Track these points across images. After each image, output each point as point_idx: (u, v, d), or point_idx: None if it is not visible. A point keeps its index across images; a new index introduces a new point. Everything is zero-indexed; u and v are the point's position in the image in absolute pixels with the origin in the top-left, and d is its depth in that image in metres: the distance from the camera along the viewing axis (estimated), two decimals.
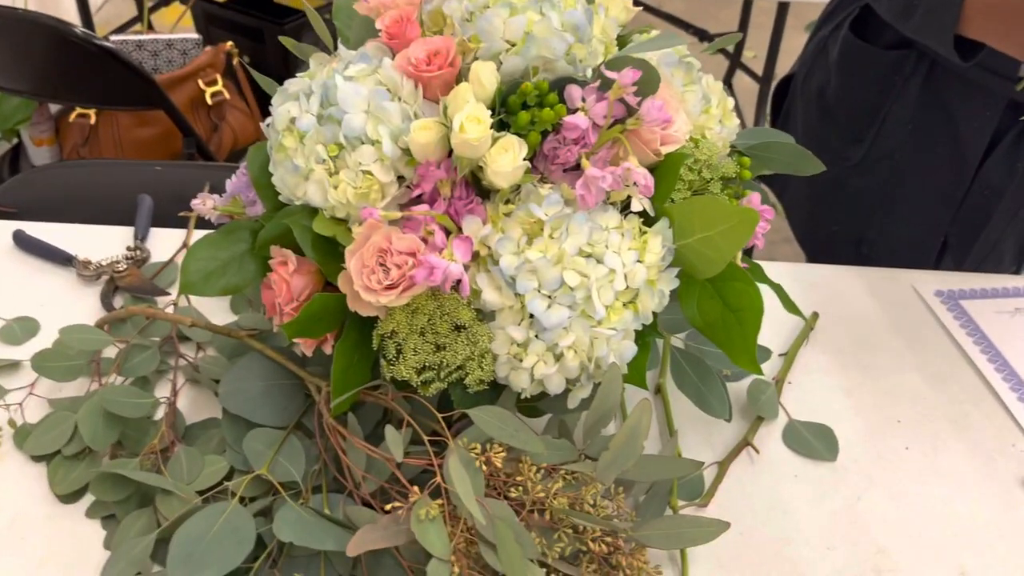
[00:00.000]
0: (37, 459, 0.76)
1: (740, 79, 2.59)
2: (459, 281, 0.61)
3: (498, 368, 0.65)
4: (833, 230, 1.26)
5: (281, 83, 0.72)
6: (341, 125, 0.64)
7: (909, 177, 1.14)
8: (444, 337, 0.64)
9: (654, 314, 0.67)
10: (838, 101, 1.17)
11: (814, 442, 0.82)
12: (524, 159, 0.64)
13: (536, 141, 0.63)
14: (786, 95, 1.32)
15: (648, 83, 0.63)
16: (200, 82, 1.75)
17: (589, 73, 0.67)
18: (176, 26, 2.42)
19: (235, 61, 1.86)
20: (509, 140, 0.61)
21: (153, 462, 0.73)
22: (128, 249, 0.99)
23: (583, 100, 0.64)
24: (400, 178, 0.65)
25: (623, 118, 0.64)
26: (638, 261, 0.64)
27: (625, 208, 0.66)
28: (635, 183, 0.62)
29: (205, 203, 0.73)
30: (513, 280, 0.62)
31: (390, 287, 0.61)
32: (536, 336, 0.63)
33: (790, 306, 0.77)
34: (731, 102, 0.77)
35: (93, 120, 1.69)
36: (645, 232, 0.65)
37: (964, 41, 0.96)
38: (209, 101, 1.74)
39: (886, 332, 0.97)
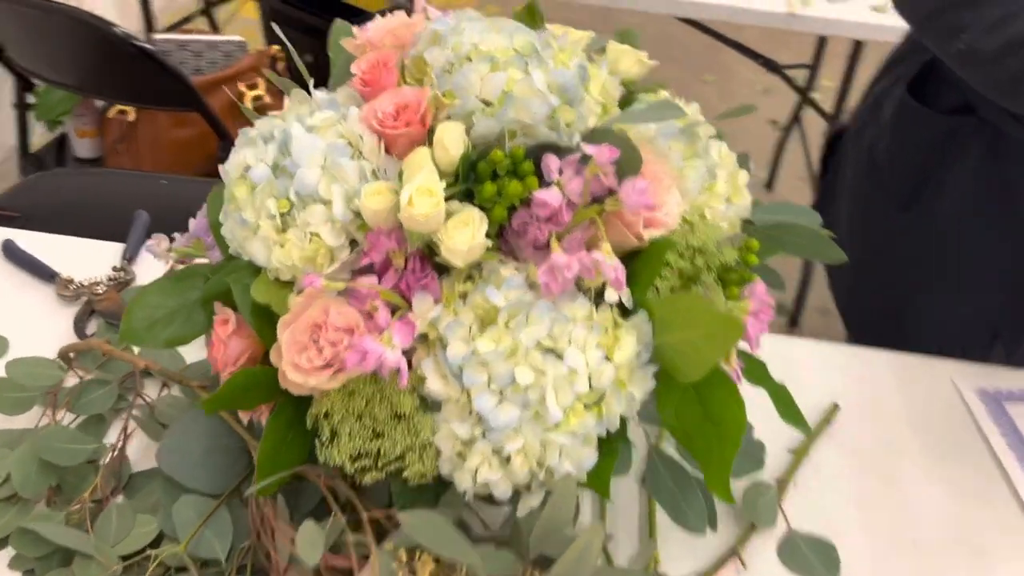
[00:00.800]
0: None
1: (811, 116, 2.47)
2: (398, 369, 0.54)
3: (441, 464, 0.58)
4: (874, 301, 1.15)
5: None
6: (294, 179, 0.58)
7: (961, 253, 1.03)
8: (383, 424, 0.57)
9: (624, 418, 0.59)
10: (889, 163, 1.07)
11: (813, 560, 0.73)
12: (490, 234, 0.57)
13: (501, 217, 0.56)
14: (838, 147, 1.22)
15: (629, 163, 0.55)
16: (241, 85, 1.72)
17: (577, 139, 0.60)
18: (235, 17, 2.42)
19: (279, 65, 1.83)
20: (468, 215, 0.55)
21: (82, 516, 0.68)
22: (113, 269, 0.95)
23: (560, 173, 0.56)
24: (354, 242, 0.59)
25: (603, 196, 0.57)
26: (606, 359, 0.56)
27: (602, 294, 0.59)
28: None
29: (160, 244, 0.68)
30: (460, 371, 0.55)
31: (322, 367, 0.55)
32: (482, 435, 0.56)
33: (791, 415, 0.68)
34: (744, 176, 0.68)
35: (132, 117, 1.67)
36: (619, 326, 0.58)
37: None
38: (249, 105, 1.72)
39: (915, 433, 0.87)
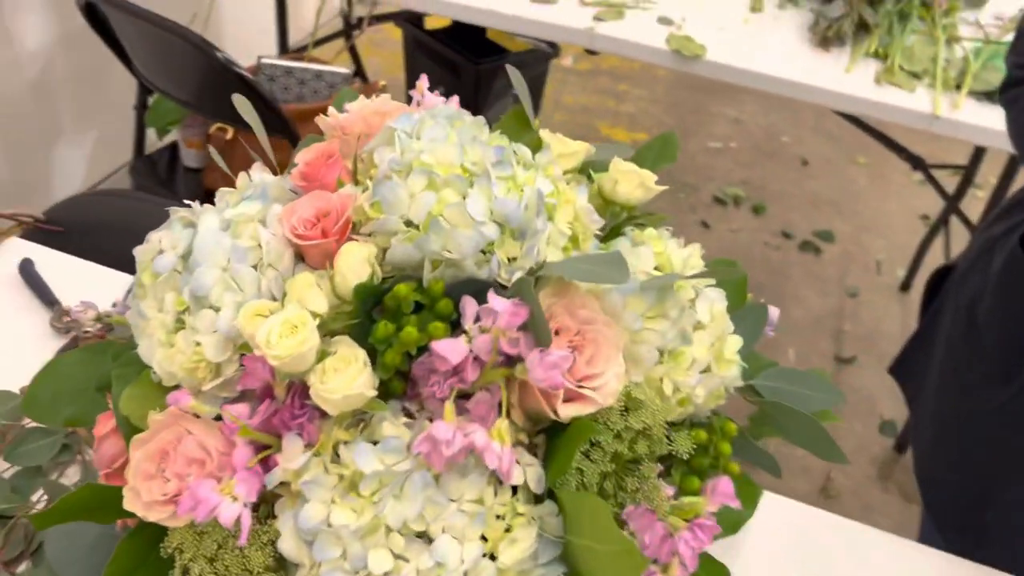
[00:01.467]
0: None
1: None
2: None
3: None
4: (954, 480, 0.98)
5: None
6: (192, 278, 0.52)
7: None
8: (235, 574, 0.50)
9: None
10: (990, 323, 0.90)
11: None
12: (387, 377, 0.49)
13: (394, 363, 0.48)
14: (940, 288, 1.05)
15: (538, 330, 0.45)
16: None
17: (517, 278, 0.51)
18: (379, 38, 2.43)
19: None
20: (348, 356, 0.46)
21: None
22: (113, 305, 0.92)
23: (477, 320, 0.47)
24: None
25: (517, 357, 0.47)
26: (489, 557, 0.47)
27: None
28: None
29: (87, 312, 0.63)
30: (314, 539, 0.47)
31: (164, 502, 0.48)
32: None
33: None
34: (735, 343, 0.57)
35: (230, 136, 1.70)
36: (520, 515, 0.48)
37: None
38: None
39: None
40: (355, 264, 0.48)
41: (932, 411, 1.03)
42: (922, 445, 1.06)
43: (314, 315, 0.46)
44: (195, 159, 1.84)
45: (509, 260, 0.51)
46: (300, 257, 0.53)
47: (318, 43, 2.28)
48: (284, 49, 2.21)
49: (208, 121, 1.78)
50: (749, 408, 0.66)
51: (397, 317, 0.48)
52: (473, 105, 2.52)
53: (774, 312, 0.67)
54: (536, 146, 0.61)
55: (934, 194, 2.21)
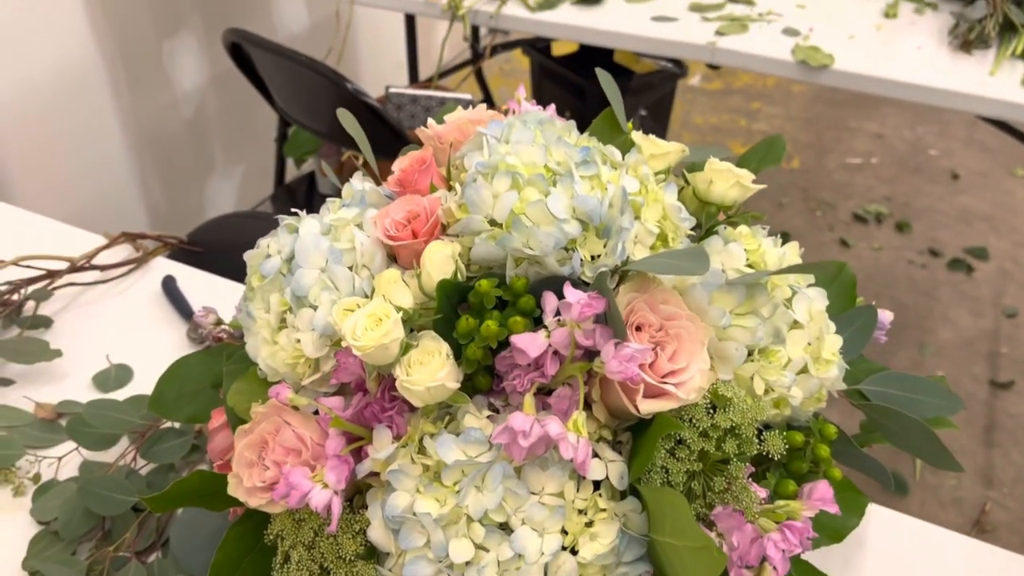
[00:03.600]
0: (42, 522, 0.76)
1: None
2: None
3: None
4: None
5: None
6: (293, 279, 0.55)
7: None
8: (330, 563, 0.52)
9: None
10: None
11: None
12: (473, 372, 0.50)
13: (477, 356, 0.49)
14: None
15: (614, 323, 0.45)
16: None
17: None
18: (508, 66, 2.48)
19: None
20: (431, 349, 0.48)
21: (103, 569, 0.70)
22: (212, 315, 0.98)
23: (558, 315, 0.48)
24: None
25: (595, 353, 0.47)
26: (571, 551, 0.46)
27: None
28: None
29: (208, 317, 0.67)
30: (399, 526, 0.48)
31: (264, 488, 0.51)
32: None
33: None
34: (835, 342, 0.54)
35: (361, 162, 1.77)
36: (603, 511, 0.47)
37: None
38: None
39: None
40: (439, 261, 0.50)
41: None
42: None
43: (400, 310, 0.48)
44: (330, 186, 1.93)
45: (593, 258, 0.51)
46: (393, 258, 0.55)
47: (447, 73, 2.35)
48: (414, 79, 2.30)
49: (341, 151, 1.87)
50: (862, 418, 0.63)
51: (480, 313, 0.49)
52: None
53: (886, 316, 0.64)
54: (627, 147, 0.61)
55: None
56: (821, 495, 0.50)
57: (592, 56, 2.65)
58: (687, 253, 0.48)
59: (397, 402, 0.51)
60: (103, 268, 1.03)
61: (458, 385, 0.48)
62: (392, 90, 1.78)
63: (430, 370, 0.47)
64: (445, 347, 0.48)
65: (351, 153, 1.80)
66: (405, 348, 0.47)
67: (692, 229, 0.57)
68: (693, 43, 1.66)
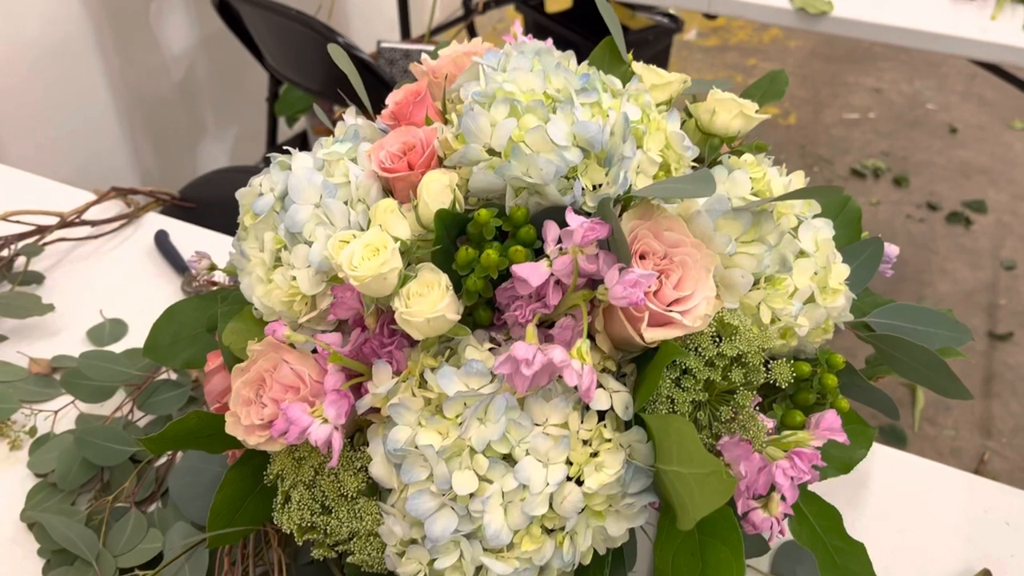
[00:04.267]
0: (39, 474, 0.76)
1: None
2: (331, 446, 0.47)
3: (386, 559, 0.51)
4: None
5: None
6: (287, 215, 0.53)
7: None
8: (331, 500, 0.51)
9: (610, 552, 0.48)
10: None
11: None
12: (471, 303, 0.49)
13: (477, 288, 0.47)
14: None
15: (618, 248, 0.44)
16: None
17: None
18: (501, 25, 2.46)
19: None
20: (429, 281, 0.46)
21: (103, 518, 0.69)
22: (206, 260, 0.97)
23: (559, 243, 0.46)
24: None
25: (592, 275, 0.46)
26: (576, 481, 0.46)
27: None
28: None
29: (201, 261, 0.66)
30: (401, 461, 0.47)
31: (262, 426, 0.50)
32: (421, 540, 0.48)
33: None
34: (842, 271, 0.53)
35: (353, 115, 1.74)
36: (607, 442, 0.47)
37: None
38: None
39: None
40: (437, 190, 0.48)
41: None
42: None
43: (397, 241, 0.46)
44: None
45: (594, 187, 0.50)
46: (388, 192, 0.54)
47: (439, 30, 2.32)
48: (406, 36, 2.26)
49: (334, 108, 1.84)
50: (868, 351, 0.63)
51: (479, 244, 0.48)
52: None
53: (892, 249, 0.63)
54: (628, 78, 0.60)
55: None
56: (829, 424, 0.49)
57: (586, 14, 2.61)
58: (692, 177, 0.47)
59: (396, 337, 0.50)
60: (94, 224, 1.01)
61: (459, 317, 0.47)
62: (384, 45, 1.75)
63: (430, 301, 0.46)
64: (444, 278, 0.47)
65: (343, 110, 1.77)
66: (403, 279, 0.46)
67: (695, 161, 0.56)
68: None
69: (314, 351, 0.52)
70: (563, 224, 0.47)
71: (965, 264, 2.38)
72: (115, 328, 0.90)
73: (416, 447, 0.46)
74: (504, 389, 0.46)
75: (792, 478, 0.46)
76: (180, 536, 0.64)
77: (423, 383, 0.48)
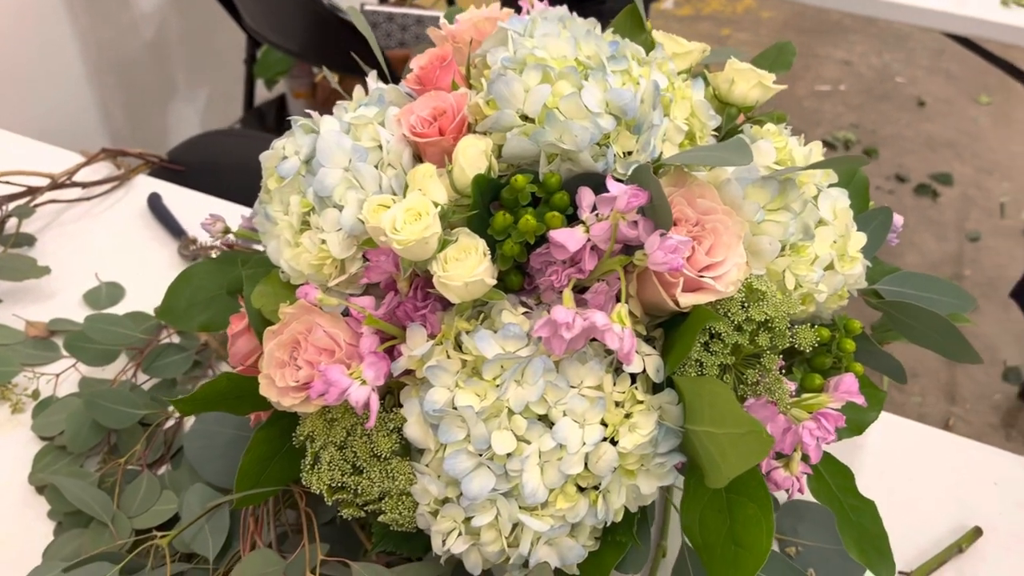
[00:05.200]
0: (44, 437, 0.75)
1: None
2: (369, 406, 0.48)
3: (418, 518, 0.52)
4: None
5: None
6: (315, 179, 0.53)
7: None
8: (363, 461, 0.52)
9: (631, 510, 0.49)
10: None
11: None
12: (505, 269, 0.50)
13: (513, 252, 0.48)
14: None
15: (658, 214, 0.45)
16: None
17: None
18: None
19: None
20: (467, 245, 0.47)
21: (116, 480, 0.69)
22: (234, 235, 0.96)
23: (595, 210, 0.47)
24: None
25: (636, 245, 0.47)
26: (611, 441, 0.47)
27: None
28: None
29: (215, 224, 0.66)
30: (439, 422, 0.48)
31: (297, 388, 0.50)
32: (456, 498, 0.49)
33: (864, 551, 0.53)
34: (859, 240, 0.55)
35: (336, 82, 1.73)
36: (640, 403, 0.48)
37: None
38: None
39: None
40: (473, 156, 0.49)
41: None
42: None
43: (437, 205, 0.47)
44: (303, 109, 1.89)
45: (625, 154, 0.50)
46: (417, 157, 0.54)
47: None
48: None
49: (314, 71, 1.82)
50: (873, 319, 0.65)
51: (514, 209, 0.49)
52: None
53: (898, 219, 0.65)
54: (649, 46, 0.60)
55: None
56: (848, 387, 0.51)
57: None
58: (727, 146, 0.48)
59: (430, 300, 0.51)
60: (85, 185, 1.00)
61: (495, 282, 0.48)
62: (367, 7, 1.73)
63: (468, 266, 0.47)
64: (482, 243, 0.47)
65: (325, 72, 1.75)
66: (443, 244, 0.47)
67: (715, 130, 0.57)
68: None
69: (345, 313, 0.52)
70: (598, 190, 0.48)
71: (932, 236, 2.43)
72: (112, 291, 0.90)
73: (454, 408, 0.47)
74: (540, 352, 0.47)
75: (818, 439, 0.48)
76: (198, 497, 0.64)
77: (458, 346, 0.49)
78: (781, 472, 0.51)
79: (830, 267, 0.54)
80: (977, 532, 0.71)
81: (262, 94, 2.10)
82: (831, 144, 2.73)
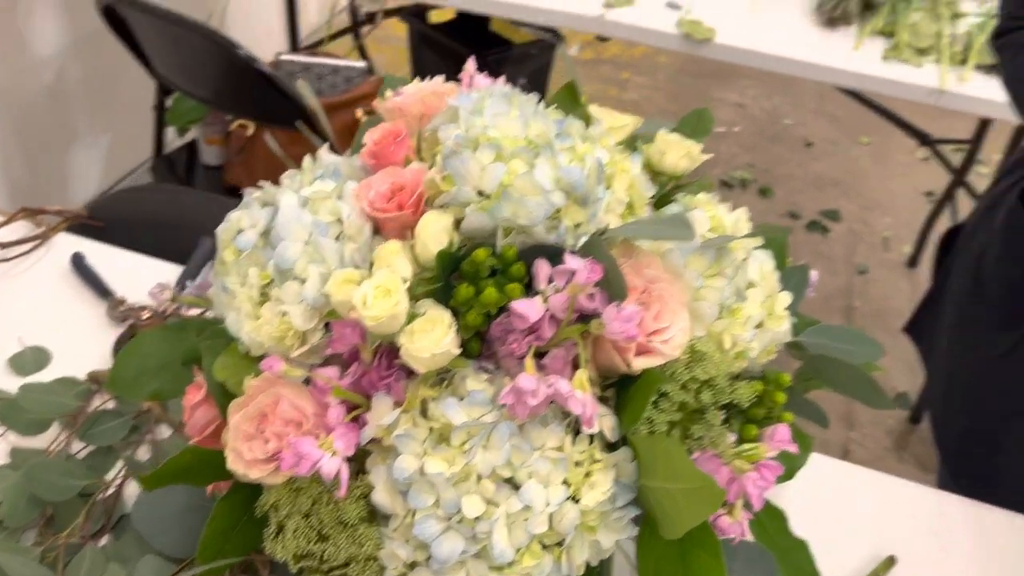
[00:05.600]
0: None
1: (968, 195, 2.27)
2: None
3: None
4: (966, 427, 1.02)
5: None
6: (276, 252, 0.55)
7: None
8: (328, 528, 0.53)
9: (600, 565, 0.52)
10: (994, 274, 0.94)
11: None
12: (466, 338, 0.52)
13: (476, 323, 0.51)
14: (953, 247, 1.09)
15: (612, 286, 0.49)
16: (358, 111, 1.74)
17: (583, 242, 0.54)
18: (384, 35, 2.47)
19: None
20: (434, 318, 0.50)
21: (58, 555, 0.68)
22: (181, 288, 0.95)
23: (551, 282, 0.51)
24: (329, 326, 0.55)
25: (591, 314, 0.51)
26: (572, 500, 0.50)
27: None
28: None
29: (163, 292, 0.66)
30: (407, 488, 0.50)
31: (265, 461, 0.52)
32: (425, 561, 0.51)
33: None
34: (785, 299, 0.60)
35: (251, 132, 1.73)
36: (598, 461, 0.51)
37: None
38: None
39: None
40: (436, 233, 0.52)
41: (944, 364, 1.07)
42: (936, 398, 1.11)
43: (406, 282, 0.49)
44: (215, 156, 1.87)
45: (575, 226, 0.54)
46: (376, 229, 0.56)
47: (319, 44, 2.31)
48: (294, 45, 2.24)
49: (228, 118, 1.81)
50: (793, 367, 0.70)
51: (475, 280, 0.52)
52: None
53: (814, 275, 0.70)
54: (586, 119, 0.64)
55: (937, 171, 2.25)
56: (782, 437, 0.55)
57: (470, 25, 2.66)
58: (670, 220, 0.52)
59: (395, 369, 0.53)
60: (4, 246, 0.97)
61: (460, 351, 0.50)
62: (283, 58, 1.74)
63: (434, 337, 0.49)
64: (447, 315, 0.50)
65: (240, 122, 1.74)
66: (411, 317, 0.49)
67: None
68: (583, 15, 1.71)
69: (306, 381, 0.54)
70: (552, 259, 0.51)
71: (824, 270, 2.58)
72: (38, 356, 0.88)
73: (424, 475, 0.49)
74: (504, 417, 0.50)
75: (760, 487, 0.52)
76: (151, 569, 0.64)
77: (424, 413, 0.51)
78: (726, 519, 0.54)
79: (760, 325, 0.58)
80: (891, 561, 0.77)
81: (171, 139, 2.06)
82: (729, 183, 2.86)
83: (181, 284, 0.98)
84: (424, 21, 2.70)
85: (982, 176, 2.79)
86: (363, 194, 0.55)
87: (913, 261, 2.60)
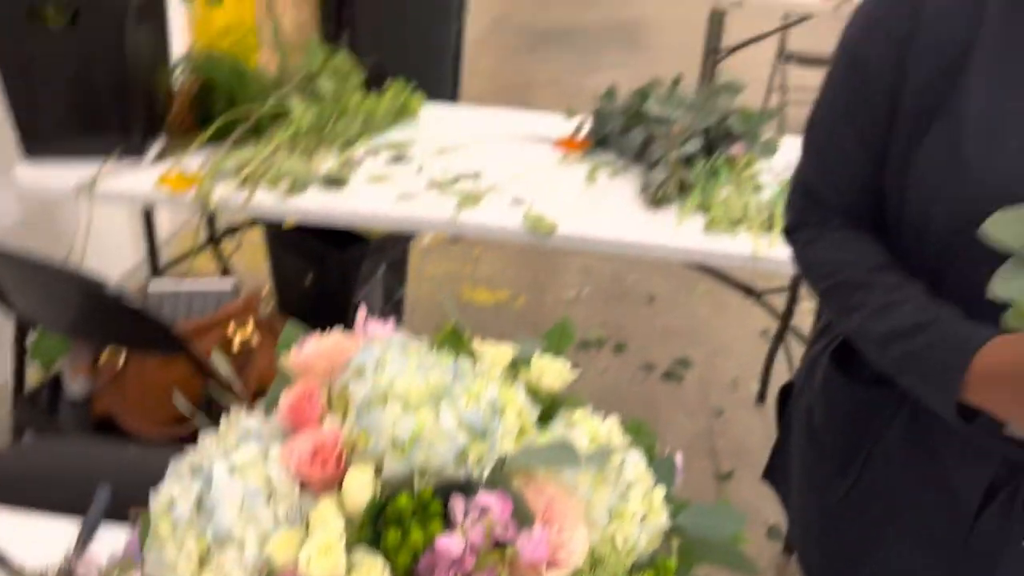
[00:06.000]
0: None
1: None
2: None
3: None
4: (825, 564, 1.14)
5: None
6: (212, 521, 0.60)
7: (899, 519, 1.03)
8: None
9: None
10: (823, 428, 1.09)
11: None
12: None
13: (405, 564, 0.58)
14: (788, 401, 1.24)
15: (521, 516, 0.57)
16: (229, 328, 1.79)
17: (487, 470, 0.63)
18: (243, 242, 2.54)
19: (268, 309, 1.91)
20: (369, 566, 0.56)
21: None
22: (64, 560, 0.95)
23: (466, 515, 0.59)
24: None
25: (507, 539, 0.59)
26: None
27: None
28: None
29: (88, 568, 0.69)
30: None
31: None
32: None
33: None
34: (660, 492, 0.70)
35: (122, 361, 1.74)
36: None
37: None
38: (235, 348, 1.79)
39: None
40: (361, 486, 0.59)
41: (798, 507, 1.20)
42: (796, 538, 1.23)
43: (342, 539, 0.56)
44: (84, 386, 1.84)
45: (479, 459, 0.63)
46: (303, 484, 0.63)
47: (181, 260, 2.36)
48: (155, 269, 2.28)
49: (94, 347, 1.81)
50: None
51: (399, 522, 0.59)
52: (342, 292, 2.65)
53: (679, 460, 0.81)
54: (471, 354, 0.75)
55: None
56: None
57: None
58: (558, 447, 0.62)
59: None
60: None
61: None
62: (152, 290, 1.78)
63: None
64: (380, 561, 0.57)
65: (109, 354, 1.75)
66: (349, 568, 0.56)
67: None
68: (436, 219, 1.86)
69: None
70: (464, 489, 0.59)
71: (684, 415, 2.75)
72: None
73: None
74: None
75: None
76: None
77: None
78: None
79: (644, 519, 0.68)
80: None
81: (31, 374, 2.02)
82: (587, 343, 3.04)
83: (81, 545, 0.98)
84: (280, 227, 2.80)
85: (807, 312, 3.10)
86: (288, 456, 0.62)
87: (762, 396, 2.83)
